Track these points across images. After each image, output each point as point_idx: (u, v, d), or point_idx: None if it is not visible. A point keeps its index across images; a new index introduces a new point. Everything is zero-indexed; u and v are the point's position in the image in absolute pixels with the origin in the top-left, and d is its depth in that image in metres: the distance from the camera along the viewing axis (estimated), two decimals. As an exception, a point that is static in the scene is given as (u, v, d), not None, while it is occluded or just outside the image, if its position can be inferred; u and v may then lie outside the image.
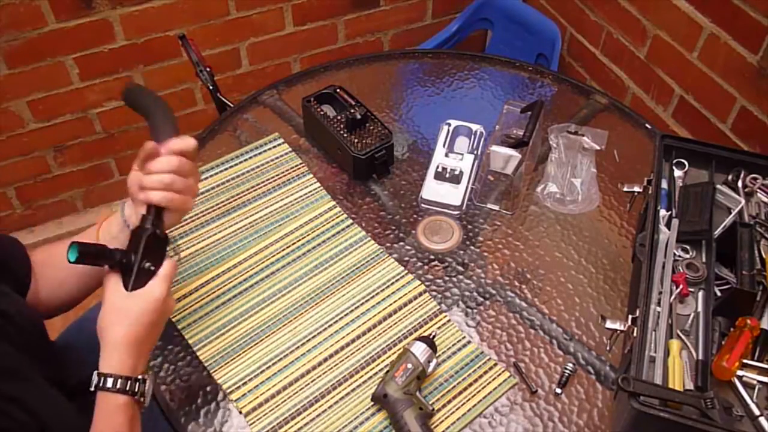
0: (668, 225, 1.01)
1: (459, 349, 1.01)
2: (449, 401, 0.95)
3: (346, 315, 1.04)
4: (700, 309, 0.95)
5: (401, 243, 1.15)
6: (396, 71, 1.49)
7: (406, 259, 1.13)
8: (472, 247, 1.15)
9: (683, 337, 0.92)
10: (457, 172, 1.21)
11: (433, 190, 1.20)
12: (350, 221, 1.17)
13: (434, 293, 1.08)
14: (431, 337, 0.97)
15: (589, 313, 1.06)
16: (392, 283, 1.08)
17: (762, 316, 0.91)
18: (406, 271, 1.10)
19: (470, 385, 0.97)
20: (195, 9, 1.81)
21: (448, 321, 1.04)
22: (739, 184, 1.06)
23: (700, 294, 0.96)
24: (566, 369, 0.98)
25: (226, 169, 1.25)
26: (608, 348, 1.02)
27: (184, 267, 1.09)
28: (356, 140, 1.21)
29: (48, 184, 2.00)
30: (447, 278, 1.11)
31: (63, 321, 1.08)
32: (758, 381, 0.86)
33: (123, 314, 0.81)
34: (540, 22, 1.94)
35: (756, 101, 1.44)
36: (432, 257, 1.14)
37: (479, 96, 1.42)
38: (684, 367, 0.88)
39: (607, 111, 1.38)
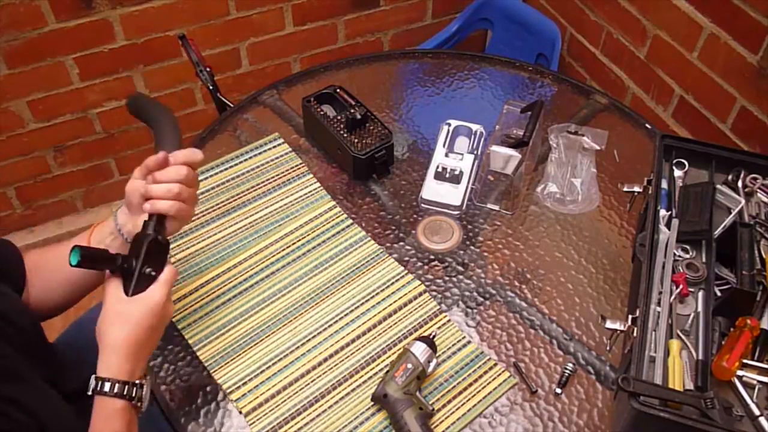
0: (668, 225, 1.01)
1: (459, 349, 1.01)
2: (449, 401, 0.95)
3: (346, 315, 1.04)
4: (700, 309, 0.95)
5: (401, 243, 1.15)
6: (396, 71, 1.49)
7: (406, 259, 1.13)
8: (472, 247, 1.15)
9: (683, 337, 0.92)
10: (457, 172, 1.21)
11: (433, 190, 1.20)
12: (350, 221, 1.17)
13: (434, 293, 1.08)
14: (431, 337, 0.97)
15: (589, 313, 1.06)
16: (392, 283, 1.08)
17: (762, 316, 0.91)
18: (406, 271, 1.10)
19: (470, 385, 0.97)
20: (195, 9, 1.81)
21: (448, 321, 1.04)
22: (739, 184, 1.06)
23: (700, 294, 0.96)
24: (566, 369, 0.98)
25: (226, 169, 1.25)
26: (608, 348, 1.02)
27: (184, 267, 1.09)
28: (356, 140, 1.21)
29: (48, 184, 2.00)
30: (447, 278, 1.11)
31: (63, 321, 1.08)
32: (758, 381, 0.86)
33: (123, 318, 0.81)
34: (540, 22, 1.94)
35: (756, 101, 1.44)
36: (432, 257, 1.14)
37: (479, 96, 1.42)
38: (684, 367, 0.88)
39: (607, 111, 1.38)
